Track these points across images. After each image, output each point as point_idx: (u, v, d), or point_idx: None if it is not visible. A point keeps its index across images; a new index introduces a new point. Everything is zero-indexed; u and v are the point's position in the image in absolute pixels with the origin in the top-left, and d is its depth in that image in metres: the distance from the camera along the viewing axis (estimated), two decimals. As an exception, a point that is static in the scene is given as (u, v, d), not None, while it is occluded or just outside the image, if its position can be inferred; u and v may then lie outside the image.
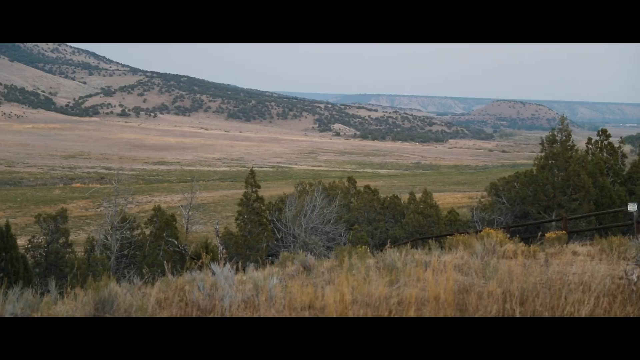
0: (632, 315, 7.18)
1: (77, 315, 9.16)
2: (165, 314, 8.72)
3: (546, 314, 6.94)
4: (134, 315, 8.66)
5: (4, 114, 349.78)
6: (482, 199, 42.00)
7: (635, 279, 8.47)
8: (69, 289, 11.42)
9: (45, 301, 10.22)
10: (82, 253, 33.91)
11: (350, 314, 7.37)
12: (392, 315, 7.41)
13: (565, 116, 39.80)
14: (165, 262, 16.62)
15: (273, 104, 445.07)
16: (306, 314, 7.57)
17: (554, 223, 28.56)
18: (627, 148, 41.26)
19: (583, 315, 6.62)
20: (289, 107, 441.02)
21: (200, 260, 11.61)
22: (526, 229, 30.03)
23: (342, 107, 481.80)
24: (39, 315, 8.95)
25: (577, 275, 8.96)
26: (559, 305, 6.93)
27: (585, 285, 8.13)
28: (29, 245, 33.26)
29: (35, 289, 10.95)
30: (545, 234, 22.30)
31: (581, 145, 39.73)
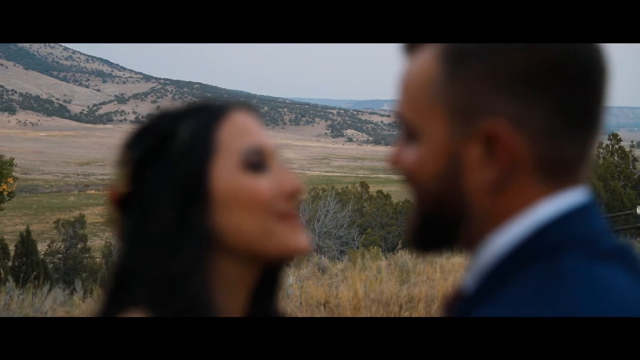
0: None
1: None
2: None
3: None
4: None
5: (19, 121, 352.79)
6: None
7: None
8: (93, 288, 11.90)
9: (72, 300, 10.68)
10: (100, 258, 34.53)
11: (362, 310, 7.80)
12: (402, 311, 7.83)
13: None
14: None
15: (285, 110, 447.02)
16: (322, 310, 8.00)
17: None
18: (639, 152, 41.51)
19: None
20: (302, 113, 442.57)
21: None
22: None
23: (355, 112, 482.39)
24: (69, 312, 9.36)
25: None
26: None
27: None
28: (48, 251, 33.93)
29: (62, 289, 11.42)
30: None
31: (595, 150, 40.06)
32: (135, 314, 1.12)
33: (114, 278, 1.19)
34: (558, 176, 0.97)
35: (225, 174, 1.18)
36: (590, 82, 0.97)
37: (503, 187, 0.98)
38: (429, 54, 1.02)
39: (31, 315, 8.80)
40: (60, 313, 9.12)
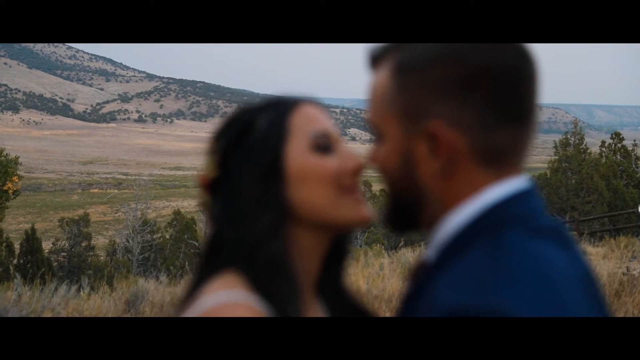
0: (627, 304, 7.73)
1: (110, 308, 9.80)
2: None
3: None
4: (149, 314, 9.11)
5: (23, 120, 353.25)
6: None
7: (637, 275, 9.03)
8: (99, 285, 12.05)
9: (79, 296, 10.83)
10: (104, 257, 34.72)
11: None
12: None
13: (579, 119, 40.12)
14: (187, 263, 17.16)
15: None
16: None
17: (566, 225, 28.98)
18: None
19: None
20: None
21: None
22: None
23: (358, 111, 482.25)
24: (79, 306, 9.49)
25: None
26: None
27: None
28: (53, 249, 34.10)
29: (68, 287, 11.57)
30: None
31: (597, 148, 40.05)
32: (228, 274, 1.33)
33: (208, 247, 1.42)
34: (497, 164, 1.19)
35: (297, 154, 1.39)
36: (514, 83, 1.17)
37: (449, 175, 1.19)
38: (385, 69, 1.25)
39: (39, 309, 8.95)
40: (71, 306, 9.26)
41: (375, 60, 1.30)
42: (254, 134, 1.41)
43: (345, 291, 1.56)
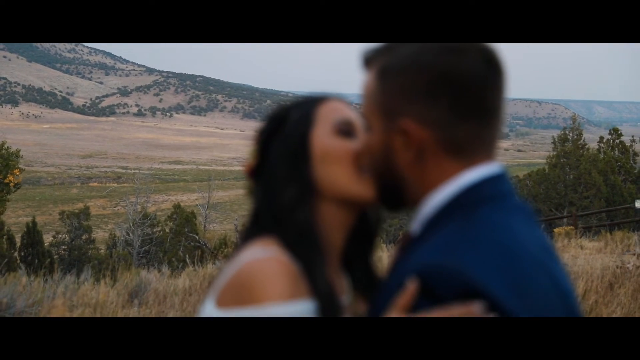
0: (620, 295, 7.91)
1: (114, 298, 9.91)
2: (193, 299, 9.52)
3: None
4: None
5: (22, 114, 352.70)
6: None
7: (631, 267, 9.20)
8: (101, 277, 12.14)
9: (83, 287, 10.92)
10: (104, 250, 34.84)
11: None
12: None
13: (577, 115, 40.12)
14: (187, 256, 17.19)
15: (288, 102, 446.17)
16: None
17: (565, 220, 29.11)
18: None
19: (579, 300, 7.38)
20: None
21: (224, 253, 12.16)
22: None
23: (357, 105, 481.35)
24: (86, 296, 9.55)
25: (580, 267, 9.73)
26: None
27: (586, 274, 8.93)
28: (53, 242, 34.23)
29: (74, 277, 11.69)
30: (555, 230, 22.83)
31: (595, 144, 40.11)
32: (265, 238, 1.57)
33: (249, 219, 1.67)
34: (465, 154, 1.42)
35: (322, 138, 1.63)
36: (473, 86, 1.39)
37: (420, 163, 1.43)
38: (372, 72, 1.49)
39: (46, 299, 9.03)
40: (77, 296, 9.35)
41: (367, 62, 1.54)
42: (287, 125, 1.66)
43: (371, 270, 1.75)
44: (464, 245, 1.31)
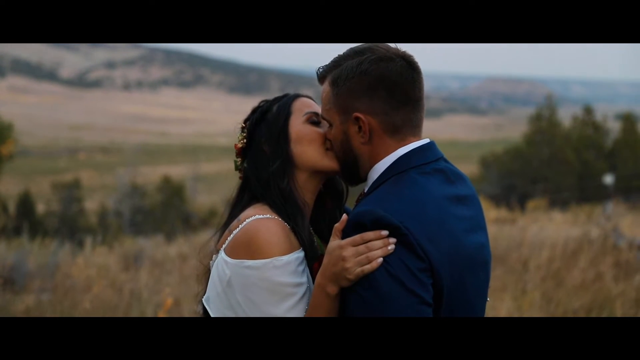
0: (580, 261, 8.37)
1: (113, 261, 10.27)
2: (186, 267, 9.85)
3: (519, 267, 8.40)
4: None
5: (9, 86, 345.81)
6: (473, 172, 42.08)
7: (594, 237, 9.72)
8: (96, 244, 12.26)
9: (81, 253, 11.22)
10: (95, 220, 34.94)
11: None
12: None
13: (554, 93, 39.76)
14: (179, 224, 17.33)
15: (273, 77, 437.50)
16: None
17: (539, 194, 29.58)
18: (617, 125, 40.80)
19: (542, 269, 8.03)
20: (289, 81, 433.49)
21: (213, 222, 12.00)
22: (511, 200, 30.93)
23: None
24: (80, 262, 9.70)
25: (548, 238, 10.18)
26: (529, 259, 8.56)
27: (552, 244, 9.44)
28: (45, 212, 34.33)
29: (75, 244, 11.91)
30: (527, 203, 23.39)
31: (570, 122, 39.96)
32: (257, 205, 1.95)
33: (238, 190, 2.07)
34: (400, 134, 1.80)
35: (297, 124, 2.00)
36: (401, 83, 1.78)
37: (370, 143, 1.81)
38: (327, 81, 1.88)
39: (50, 263, 9.22)
40: (79, 261, 9.53)
41: (321, 77, 1.93)
42: (270, 115, 2.05)
43: (335, 222, 1.95)
44: (387, 198, 1.72)
